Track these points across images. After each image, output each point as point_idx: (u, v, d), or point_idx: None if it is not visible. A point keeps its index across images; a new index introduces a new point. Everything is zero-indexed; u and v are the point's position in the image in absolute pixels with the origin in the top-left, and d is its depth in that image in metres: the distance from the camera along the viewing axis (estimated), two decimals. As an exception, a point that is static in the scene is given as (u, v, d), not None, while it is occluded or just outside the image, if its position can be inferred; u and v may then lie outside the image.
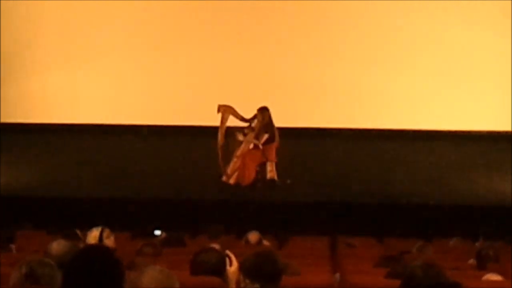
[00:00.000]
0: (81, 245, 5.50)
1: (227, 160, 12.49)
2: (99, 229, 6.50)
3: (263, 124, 12.43)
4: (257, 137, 12.51)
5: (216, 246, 6.27)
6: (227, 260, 4.58)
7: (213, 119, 12.31)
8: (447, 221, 11.19)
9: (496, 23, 14.70)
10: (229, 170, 12.49)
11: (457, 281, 3.52)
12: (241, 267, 4.12)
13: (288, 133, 13.02)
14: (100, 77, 15.30)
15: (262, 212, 11.54)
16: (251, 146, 12.61)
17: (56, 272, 3.89)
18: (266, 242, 8.73)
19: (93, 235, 6.45)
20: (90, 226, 6.65)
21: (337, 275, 5.97)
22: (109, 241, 6.48)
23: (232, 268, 4.51)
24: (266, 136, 12.45)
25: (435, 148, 14.40)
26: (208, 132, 12.76)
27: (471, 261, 6.94)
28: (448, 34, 14.82)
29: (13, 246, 7.19)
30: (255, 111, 12.47)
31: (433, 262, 4.40)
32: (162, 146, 14.57)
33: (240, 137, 12.53)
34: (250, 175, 12.51)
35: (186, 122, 14.86)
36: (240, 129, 12.58)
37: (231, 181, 12.48)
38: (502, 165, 13.01)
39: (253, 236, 8.66)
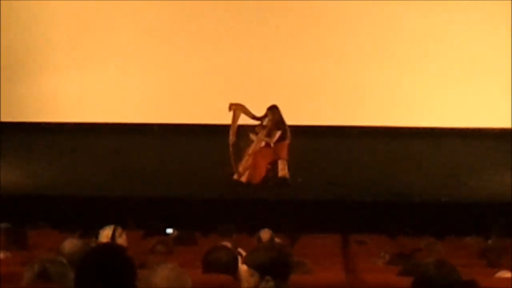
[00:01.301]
0: (93, 244, 5.51)
1: (239, 158, 12.50)
2: (112, 227, 6.51)
3: (274, 121, 12.44)
4: (269, 135, 12.51)
5: (228, 244, 6.27)
6: (239, 258, 4.57)
7: (225, 118, 12.32)
8: (459, 218, 11.15)
9: (497, 23, 14.70)
10: (240, 168, 12.49)
11: (470, 278, 3.50)
12: (248, 261, 4.10)
13: (300, 131, 13.02)
14: (110, 76, 15.34)
15: (273, 210, 11.53)
16: (263, 144, 12.62)
17: (68, 270, 3.90)
18: (278, 240, 8.72)
19: (106, 234, 6.46)
20: (102, 225, 6.66)
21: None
22: (122, 240, 6.49)
23: (244, 266, 4.51)
24: (278, 133, 12.45)
25: (446, 145, 14.38)
26: (219, 130, 12.76)
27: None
28: (454, 34, 14.83)
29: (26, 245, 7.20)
30: (266, 110, 12.49)
31: (445, 259, 4.38)
32: (174, 145, 14.59)
33: (253, 137, 12.54)
34: (262, 173, 12.52)
35: (197, 121, 14.88)
36: (252, 127, 12.59)
37: (243, 179, 12.48)
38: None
39: (265, 234, 8.64)
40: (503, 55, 14.55)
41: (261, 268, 3.99)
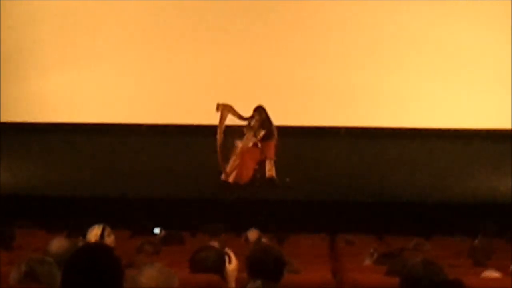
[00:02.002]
0: (81, 244, 5.50)
1: (226, 158, 12.50)
2: (101, 227, 6.49)
3: (261, 122, 12.47)
4: (256, 135, 12.53)
5: (215, 244, 6.28)
6: (226, 258, 4.58)
7: (212, 118, 12.31)
8: (447, 219, 11.19)
9: (497, 23, 14.71)
10: (228, 169, 12.50)
11: (456, 278, 3.52)
12: (247, 263, 4.11)
13: (287, 131, 13.03)
14: (99, 77, 15.30)
15: (261, 210, 11.54)
16: (250, 144, 12.63)
17: (55, 270, 3.89)
18: (265, 240, 8.73)
19: (94, 233, 6.45)
20: (89, 225, 6.64)
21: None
22: (110, 240, 6.48)
23: (231, 266, 4.51)
24: (263, 132, 12.49)
25: (435, 146, 14.39)
26: (207, 130, 12.75)
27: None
28: (450, 33, 14.83)
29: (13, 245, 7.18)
30: (252, 110, 12.52)
31: (432, 259, 4.40)
32: (161, 145, 14.56)
33: (239, 144, 12.58)
34: (249, 173, 12.54)
35: (185, 121, 14.86)
36: (239, 127, 12.60)
37: (230, 179, 12.49)
38: (502, 163, 13.00)
39: (252, 234, 8.67)
40: (503, 55, 14.54)
41: (251, 269, 4.01)
